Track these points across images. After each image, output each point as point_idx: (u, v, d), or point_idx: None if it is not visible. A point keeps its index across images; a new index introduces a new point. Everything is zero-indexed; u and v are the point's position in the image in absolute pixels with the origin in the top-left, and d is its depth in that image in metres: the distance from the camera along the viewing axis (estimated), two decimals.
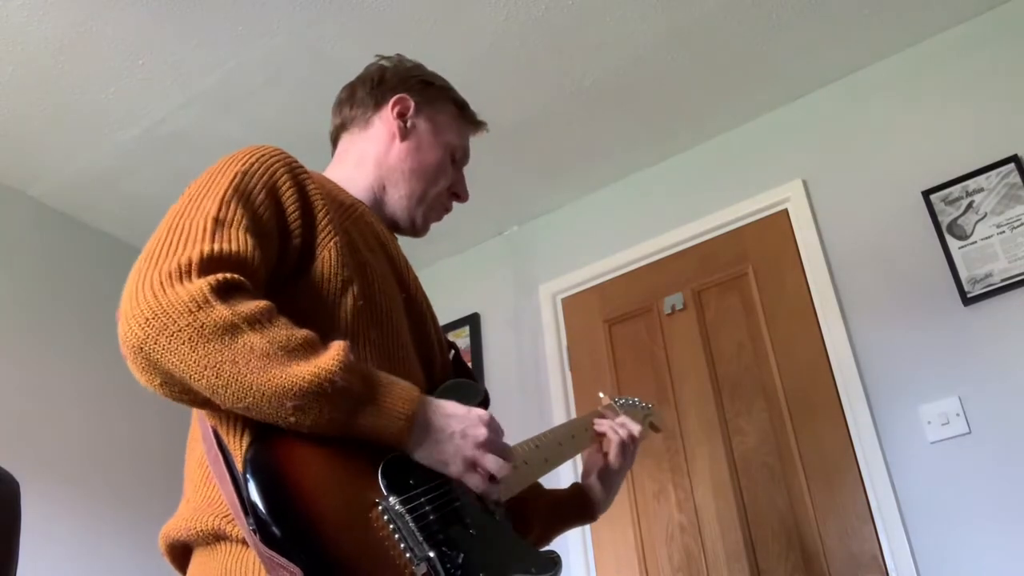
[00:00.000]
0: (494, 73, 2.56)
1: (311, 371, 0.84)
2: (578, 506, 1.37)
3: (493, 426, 0.99)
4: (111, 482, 2.77)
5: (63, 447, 2.68)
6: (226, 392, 0.82)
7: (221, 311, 0.82)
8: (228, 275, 0.86)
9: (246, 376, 0.81)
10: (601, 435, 1.41)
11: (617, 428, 1.39)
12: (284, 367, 0.83)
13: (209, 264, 0.86)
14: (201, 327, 0.81)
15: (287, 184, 1.01)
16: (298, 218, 1.00)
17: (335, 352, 0.87)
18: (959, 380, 2.22)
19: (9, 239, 2.79)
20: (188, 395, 0.84)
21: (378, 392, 0.90)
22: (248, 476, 0.81)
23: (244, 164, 0.99)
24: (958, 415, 2.19)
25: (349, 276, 1.02)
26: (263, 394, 0.82)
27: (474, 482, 0.95)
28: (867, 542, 2.23)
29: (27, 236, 2.86)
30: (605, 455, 1.39)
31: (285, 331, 0.86)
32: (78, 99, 2.53)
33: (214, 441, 0.89)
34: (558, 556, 1.09)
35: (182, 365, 0.81)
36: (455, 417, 0.96)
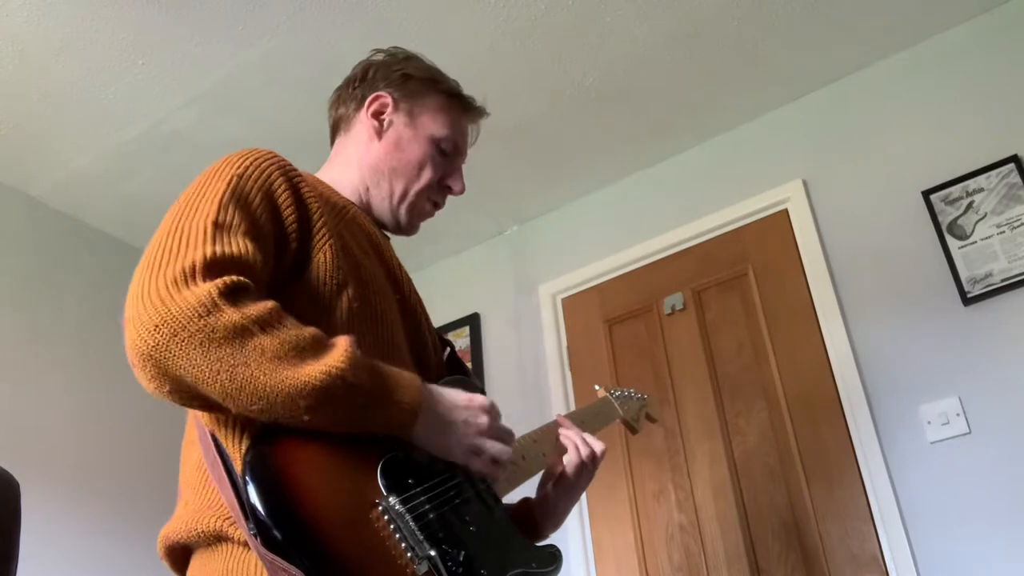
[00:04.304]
0: (494, 73, 2.56)
1: (322, 370, 0.84)
2: (524, 524, 1.24)
3: (494, 412, 1.02)
4: (111, 482, 2.77)
5: (63, 447, 2.68)
6: (240, 395, 0.82)
7: (230, 314, 0.82)
8: (234, 277, 0.85)
9: (259, 379, 0.81)
10: (564, 448, 1.29)
11: (580, 445, 1.26)
12: (295, 368, 0.83)
13: (213, 267, 0.85)
14: (212, 331, 0.80)
15: (282, 187, 1.01)
16: (294, 221, 1.00)
17: (343, 348, 0.88)
18: (959, 380, 2.22)
19: (9, 239, 2.79)
20: (198, 400, 0.84)
21: (385, 384, 0.91)
22: (247, 479, 0.81)
23: (239, 168, 0.99)
24: (958, 415, 2.19)
25: (344, 278, 1.02)
26: (277, 395, 0.82)
27: (478, 466, 1.00)
28: (867, 542, 2.23)
29: (27, 236, 2.86)
30: (564, 468, 1.26)
31: (294, 331, 0.86)
32: (78, 99, 2.53)
33: (212, 445, 0.89)
34: (559, 550, 1.09)
35: (194, 370, 0.80)
36: (457, 407, 0.99)
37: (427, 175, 1.23)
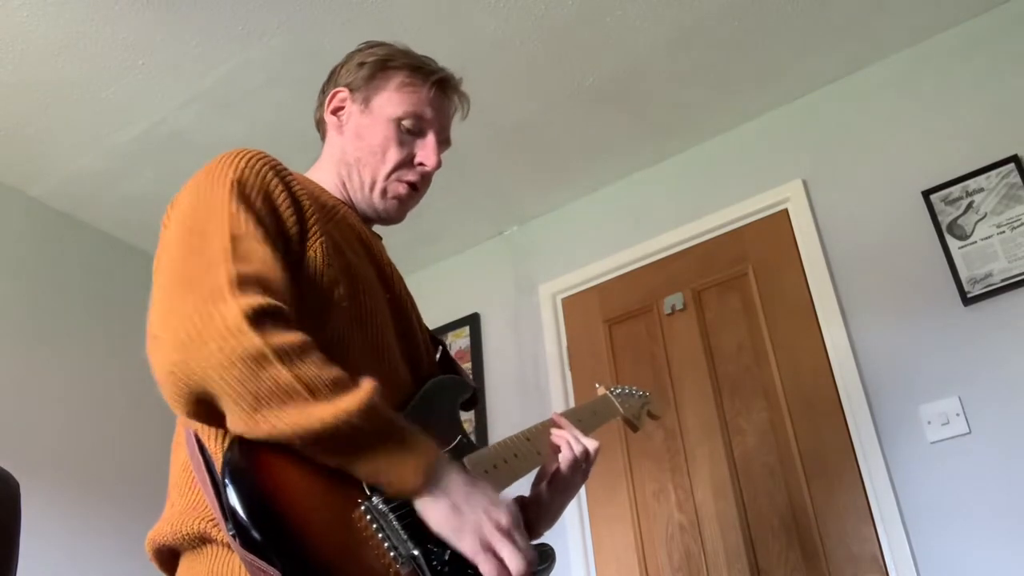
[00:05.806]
0: (494, 73, 2.56)
1: (332, 412, 0.83)
2: None
3: (517, 520, 0.92)
4: (111, 482, 2.77)
5: (63, 447, 2.68)
6: (241, 421, 0.82)
7: (253, 339, 0.82)
8: (264, 301, 0.85)
9: (263, 410, 0.81)
10: (557, 447, 1.25)
11: (572, 442, 1.23)
12: (302, 407, 0.82)
13: (240, 286, 0.85)
14: (232, 352, 0.81)
15: (278, 187, 1.01)
16: (295, 222, 1.00)
17: (361, 393, 0.86)
18: (959, 380, 2.22)
19: (9, 239, 2.79)
20: (217, 420, 0.85)
21: (399, 439, 0.88)
22: (227, 481, 0.81)
23: (236, 171, 0.99)
24: (958, 415, 2.19)
25: (334, 277, 1.02)
26: (276, 429, 0.82)
27: (487, 569, 0.87)
28: (867, 542, 2.23)
29: (27, 236, 2.86)
30: (558, 466, 1.23)
31: (314, 369, 0.84)
32: (78, 99, 2.53)
33: (196, 446, 0.89)
34: (551, 548, 1.08)
35: (210, 390, 0.81)
36: (481, 491, 0.92)
37: (392, 157, 1.20)
